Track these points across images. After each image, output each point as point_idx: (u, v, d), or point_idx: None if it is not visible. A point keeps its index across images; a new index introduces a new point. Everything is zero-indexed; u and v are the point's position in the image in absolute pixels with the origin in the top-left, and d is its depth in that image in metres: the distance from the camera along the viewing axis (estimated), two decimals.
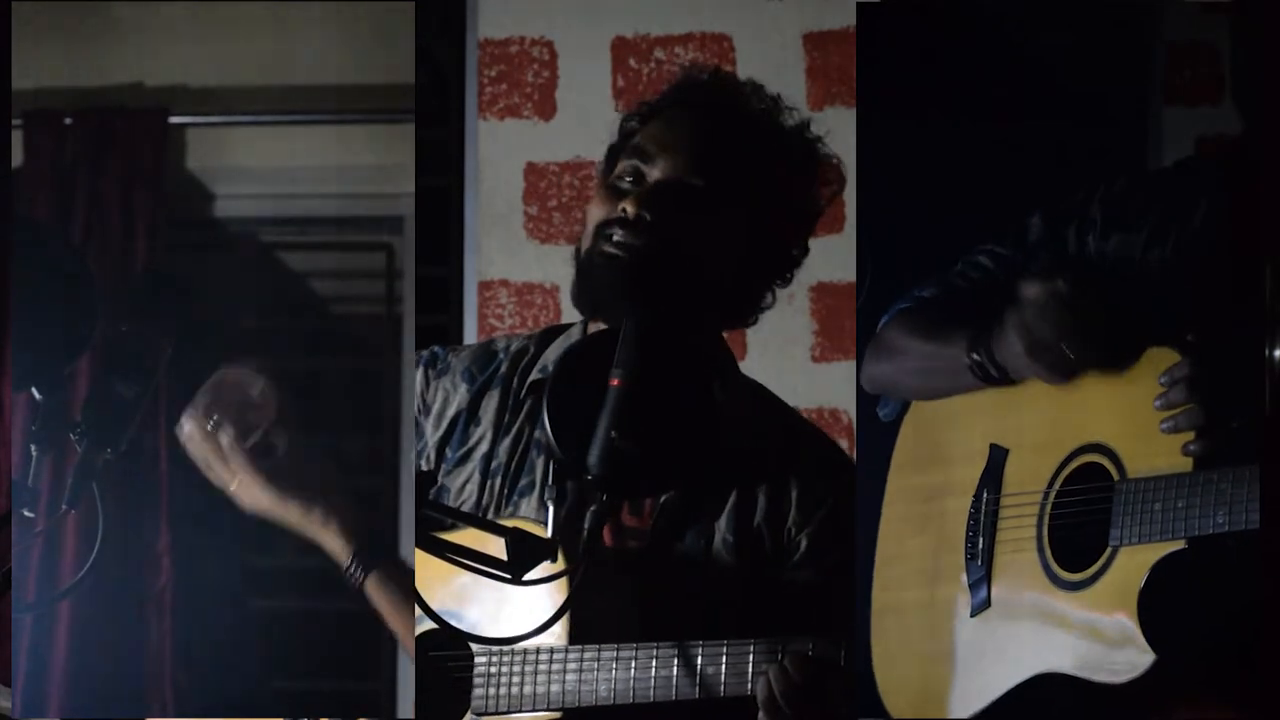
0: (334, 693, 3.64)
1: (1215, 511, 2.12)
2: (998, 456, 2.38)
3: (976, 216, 2.62)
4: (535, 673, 2.16)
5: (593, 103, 3.56)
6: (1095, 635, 2.20)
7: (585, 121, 3.55)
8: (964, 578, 2.38)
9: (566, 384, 2.06)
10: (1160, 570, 2.16)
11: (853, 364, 2.88)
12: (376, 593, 2.17)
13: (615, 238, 2.25)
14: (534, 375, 2.34)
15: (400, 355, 3.69)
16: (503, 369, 2.37)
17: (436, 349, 2.43)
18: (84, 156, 3.61)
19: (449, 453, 2.35)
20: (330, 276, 3.78)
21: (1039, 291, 2.22)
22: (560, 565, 2.07)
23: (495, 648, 2.18)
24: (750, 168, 2.28)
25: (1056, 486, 2.31)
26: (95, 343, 2.14)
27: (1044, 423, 2.33)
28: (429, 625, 2.14)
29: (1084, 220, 2.40)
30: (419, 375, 2.41)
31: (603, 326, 2.22)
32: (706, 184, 2.25)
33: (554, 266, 3.53)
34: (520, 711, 2.17)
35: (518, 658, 2.17)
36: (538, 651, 2.16)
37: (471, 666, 2.21)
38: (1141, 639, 2.15)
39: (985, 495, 2.38)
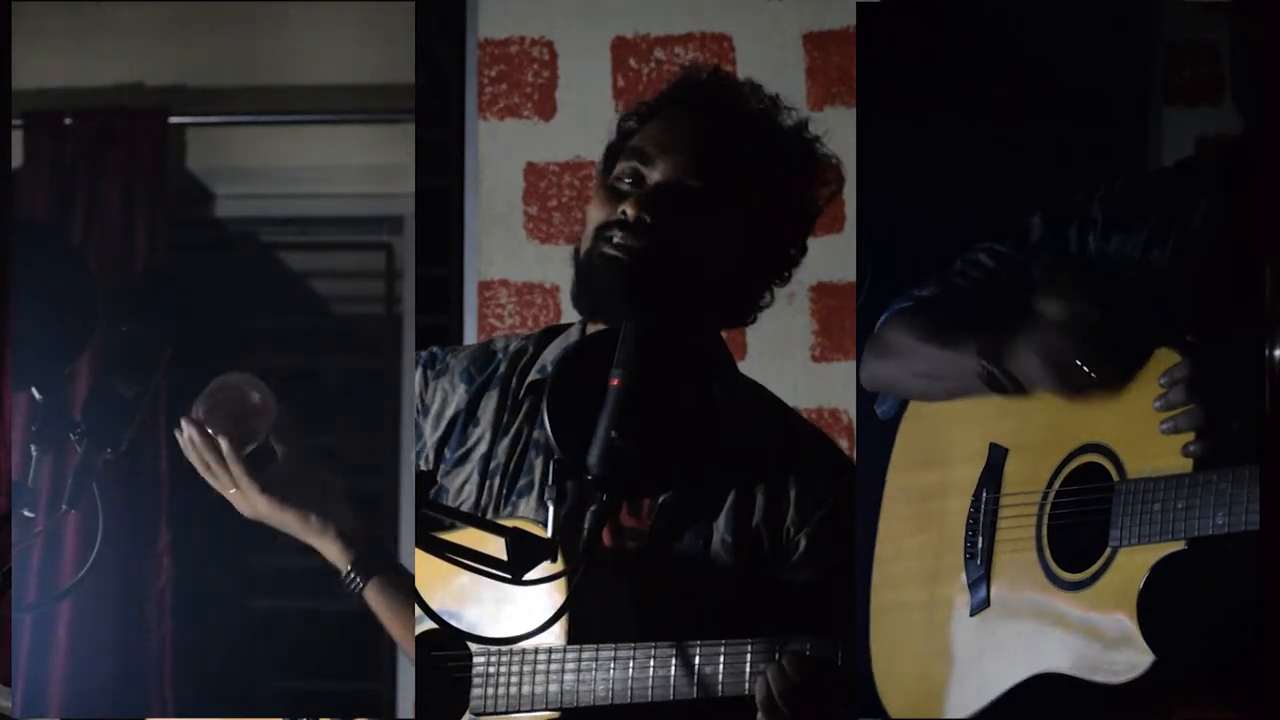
0: (334, 693, 3.64)
1: (1215, 512, 2.12)
2: (997, 456, 2.38)
3: (976, 216, 2.62)
4: (534, 673, 2.16)
5: (593, 103, 3.55)
6: (1094, 635, 2.20)
7: (585, 121, 3.55)
8: (963, 577, 2.38)
9: (566, 384, 2.06)
10: (1160, 571, 2.16)
11: (853, 364, 2.88)
12: (375, 600, 2.18)
13: (615, 240, 2.25)
14: (532, 375, 2.34)
15: (400, 355, 3.69)
16: (501, 369, 2.37)
17: (435, 349, 2.43)
18: (84, 156, 3.61)
19: (448, 453, 2.35)
20: (330, 276, 3.78)
21: (1059, 310, 2.22)
22: (560, 565, 2.07)
23: (494, 648, 2.18)
24: (748, 167, 2.28)
25: (1056, 486, 2.30)
26: (95, 343, 2.14)
27: (1044, 423, 2.32)
28: (429, 625, 2.14)
29: (1084, 220, 2.40)
30: (418, 376, 2.41)
31: (602, 327, 2.22)
32: (705, 185, 2.25)
33: (554, 266, 3.53)
34: (519, 711, 2.17)
35: (517, 658, 2.17)
36: (536, 651, 2.16)
37: (471, 666, 2.21)
38: (1141, 639, 2.15)
39: (985, 495, 2.38)
